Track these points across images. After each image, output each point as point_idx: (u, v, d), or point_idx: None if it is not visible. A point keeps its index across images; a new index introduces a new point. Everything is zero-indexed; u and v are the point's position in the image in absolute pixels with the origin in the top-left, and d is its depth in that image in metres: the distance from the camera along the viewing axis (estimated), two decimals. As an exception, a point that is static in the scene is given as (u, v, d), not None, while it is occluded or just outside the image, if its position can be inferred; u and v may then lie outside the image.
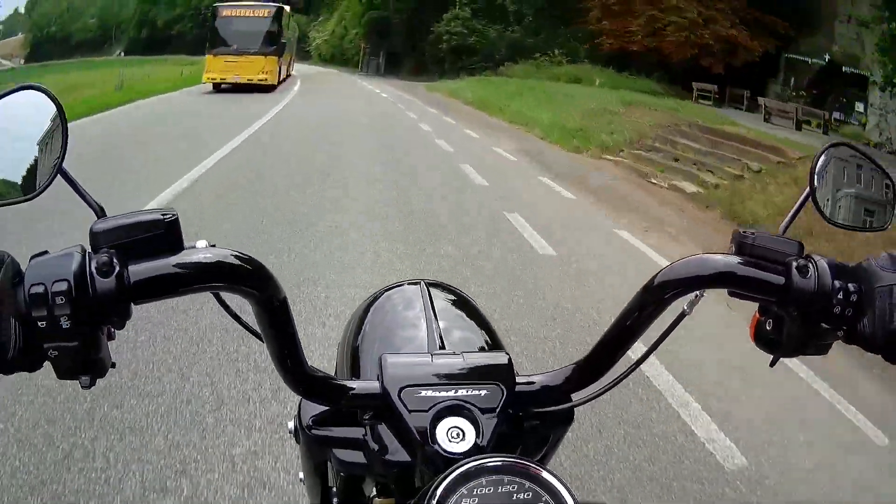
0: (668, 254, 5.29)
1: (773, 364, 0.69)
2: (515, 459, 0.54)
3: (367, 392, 0.67)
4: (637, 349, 0.69)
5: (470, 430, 0.63)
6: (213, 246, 0.59)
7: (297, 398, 0.71)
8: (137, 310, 0.57)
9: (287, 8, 26.14)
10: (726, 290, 0.64)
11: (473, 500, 0.51)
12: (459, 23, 32.64)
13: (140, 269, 0.55)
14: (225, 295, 0.64)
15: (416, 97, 21.93)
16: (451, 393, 0.64)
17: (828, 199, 0.72)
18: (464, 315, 0.98)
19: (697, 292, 0.66)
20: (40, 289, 0.51)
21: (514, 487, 0.51)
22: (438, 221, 5.92)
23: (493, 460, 0.53)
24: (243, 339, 2.95)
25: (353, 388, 0.68)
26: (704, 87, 26.05)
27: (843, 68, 25.37)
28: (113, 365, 0.58)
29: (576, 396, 0.72)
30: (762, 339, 0.69)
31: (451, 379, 0.66)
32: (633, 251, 5.59)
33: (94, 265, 0.53)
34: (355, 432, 0.70)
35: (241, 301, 0.62)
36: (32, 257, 0.54)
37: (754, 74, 27.69)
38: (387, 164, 8.84)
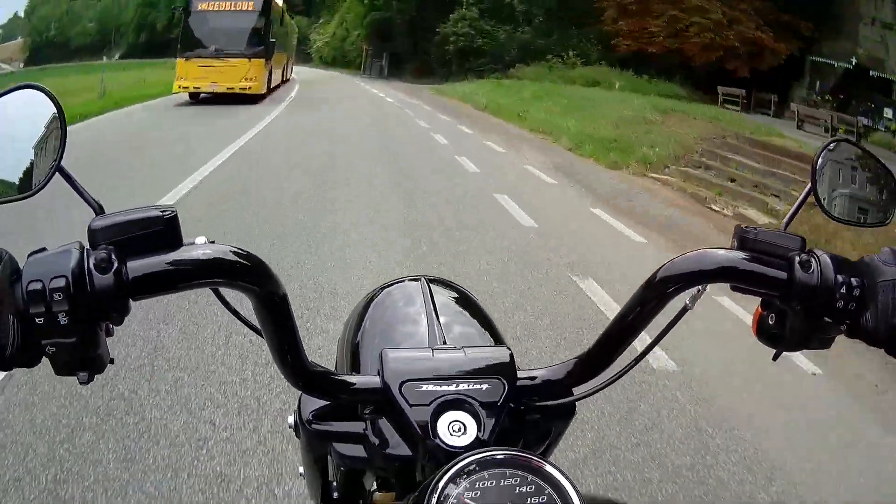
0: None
1: (775, 358, 0.68)
2: (518, 453, 0.53)
3: (368, 386, 0.66)
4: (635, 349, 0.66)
5: (471, 424, 0.62)
6: (213, 242, 0.59)
7: (298, 393, 0.69)
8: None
9: (280, 1, 21.73)
10: (728, 284, 0.63)
11: (475, 494, 0.50)
12: (467, 23, 30.70)
13: (138, 266, 0.54)
14: (224, 291, 0.62)
15: (424, 102, 19.99)
16: (453, 387, 0.63)
17: (830, 195, 0.71)
18: (465, 311, 0.96)
19: (699, 287, 0.65)
20: (38, 285, 0.50)
21: (516, 481, 0.50)
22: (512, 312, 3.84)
23: (496, 454, 0.52)
24: None
25: (354, 383, 0.67)
26: (731, 92, 24.16)
27: (870, 72, 23.75)
28: (111, 361, 0.57)
29: (577, 391, 0.71)
30: (765, 333, 0.68)
31: (453, 373, 0.65)
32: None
33: (92, 262, 0.52)
34: (355, 427, 0.68)
35: (241, 297, 0.60)
36: (30, 254, 0.53)
37: (779, 78, 25.94)
38: (408, 198, 6.87)
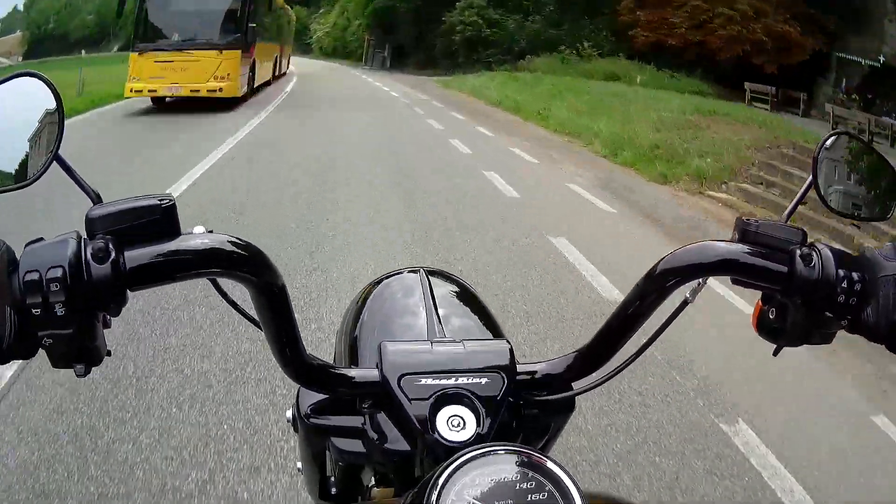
0: None
1: (776, 353, 0.67)
2: (518, 448, 0.51)
3: (367, 380, 0.65)
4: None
5: (470, 419, 0.61)
6: (211, 232, 0.57)
7: (296, 386, 0.67)
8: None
9: None
10: (729, 277, 0.62)
11: (476, 490, 0.48)
12: (474, 12, 28.64)
13: (136, 255, 0.53)
14: (223, 281, 0.61)
15: (432, 97, 18.02)
16: (452, 381, 0.62)
17: (830, 188, 0.70)
18: (464, 303, 0.94)
19: (700, 280, 0.64)
20: (35, 276, 0.49)
21: (516, 476, 0.49)
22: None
23: (496, 449, 0.51)
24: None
25: (353, 376, 0.66)
26: (759, 89, 22.20)
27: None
28: (108, 353, 0.56)
29: (577, 385, 0.69)
30: (765, 327, 0.66)
31: (452, 367, 0.63)
32: None
33: (89, 251, 0.51)
34: (354, 421, 0.67)
35: (240, 289, 0.59)
36: (27, 244, 0.52)
37: (805, 75, 24.04)
38: (444, 246, 5.06)
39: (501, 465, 0.50)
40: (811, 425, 2.80)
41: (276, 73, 19.74)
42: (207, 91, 12.52)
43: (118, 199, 0.54)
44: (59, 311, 0.50)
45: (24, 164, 0.58)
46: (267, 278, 0.59)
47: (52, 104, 0.59)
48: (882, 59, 23.46)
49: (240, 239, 0.57)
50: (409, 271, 0.95)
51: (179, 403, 2.54)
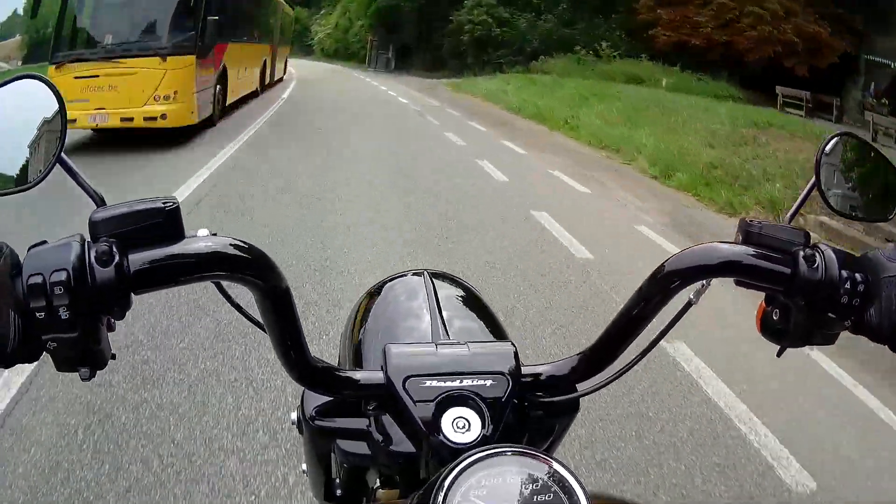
0: None
1: (779, 354, 0.66)
2: (523, 449, 0.51)
3: (371, 382, 0.64)
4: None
5: (476, 421, 0.60)
6: (215, 234, 0.56)
7: (301, 389, 0.66)
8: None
9: None
10: (733, 279, 0.62)
11: (482, 491, 0.47)
12: (483, 10, 26.78)
13: (140, 259, 0.52)
14: (227, 284, 0.60)
15: (444, 103, 16.17)
16: (457, 383, 0.61)
17: (833, 189, 0.69)
18: (468, 305, 0.93)
19: (703, 281, 0.63)
20: (38, 279, 0.48)
21: (523, 478, 0.48)
22: None
23: (501, 451, 0.50)
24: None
25: (357, 379, 0.66)
26: (792, 94, 20.37)
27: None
28: (113, 356, 0.55)
29: (581, 386, 0.69)
30: (769, 328, 0.66)
31: (456, 369, 0.63)
32: None
33: (93, 255, 0.51)
34: (359, 423, 0.66)
35: (245, 291, 0.57)
36: (31, 247, 0.51)
37: (835, 77, 22.21)
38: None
39: (507, 467, 0.49)
40: None
41: (269, 81, 15.78)
42: (144, 119, 8.23)
43: (122, 203, 0.53)
44: (64, 314, 0.49)
45: (27, 166, 0.57)
46: (271, 281, 0.58)
47: (55, 107, 0.58)
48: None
49: (243, 242, 0.56)
50: (413, 274, 0.94)
51: None
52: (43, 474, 2.11)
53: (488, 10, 26.74)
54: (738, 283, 0.62)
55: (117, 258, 0.51)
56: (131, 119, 8.22)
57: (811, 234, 0.62)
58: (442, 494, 0.47)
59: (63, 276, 0.48)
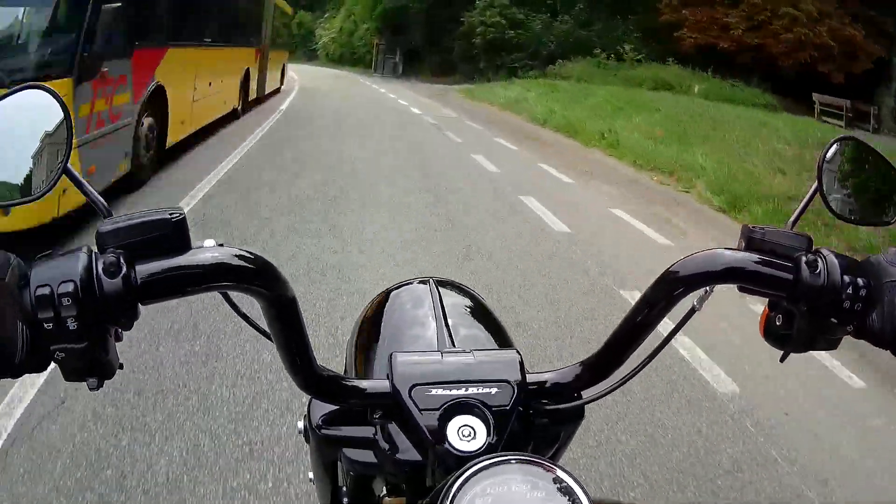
0: None
1: (783, 359, 0.65)
2: (528, 457, 0.50)
3: (377, 391, 0.64)
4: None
5: (481, 429, 0.60)
6: (221, 245, 0.56)
7: (307, 398, 0.66)
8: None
9: None
10: (736, 285, 0.61)
11: (487, 500, 0.47)
12: (496, 11, 25.08)
13: (147, 270, 0.52)
14: (234, 294, 0.60)
15: (461, 113, 14.47)
16: (462, 391, 0.61)
17: (835, 194, 0.68)
18: (473, 313, 0.93)
19: (707, 288, 0.63)
20: (46, 290, 0.48)
21: (527, 486, 0.48)
22: None
23: (506, 459, 0.50)
24: None
25: (363, 387, 0.65)
26: (830, 102, 18.59)
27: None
28: (121, 366, 0.55)
29: (586, 393, 0.68)
30: (772, 334, 0.65)
31: (462, 377, 0.62)
32: None
33: (100, 266, 0.50)
34: (365, 431, 0.66)
35: (250, 300, 0.57)
36: (38, 257, 0.51)
37: (869, 84, 20.45)
38: None
39: (512, 475, 0.49)
40: None
41: (257, 95, 12.25)
42: None
43: (129, 214, 0.53)
44: (72, 325, 0.49)
45: (33, 176, 0.56)
46: (277, 291, 0.58)
47: (60, 117, 0.58)
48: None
49: (250, 252, 0.56)
50: (419, 282, 0.93)
51: None
52: None
53: (501, 10, 25.03)
54: (741, 290, 0.61)
55: (124, 269, 0.50)
56: None
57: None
58: (447, 503, 0.47)
59: (71, 287, 0.48)
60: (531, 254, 4.63)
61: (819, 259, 0.59)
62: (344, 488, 0.83)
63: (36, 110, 0.58)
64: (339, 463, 0.76)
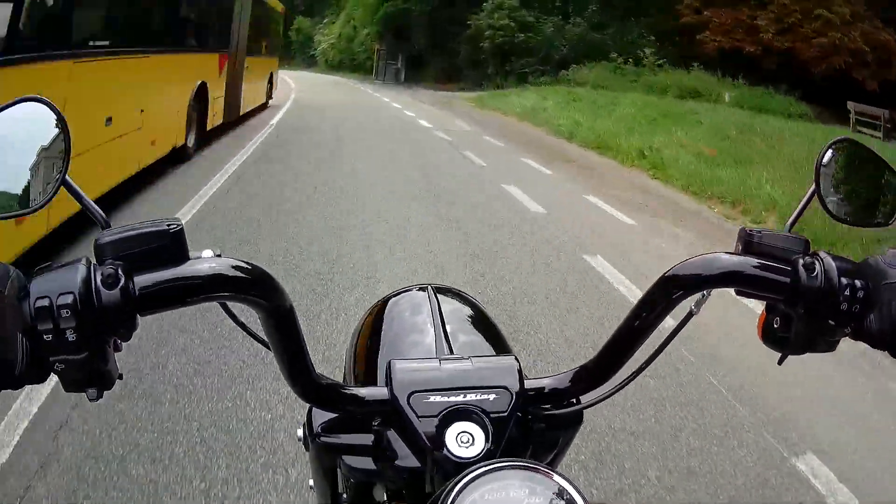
0: None
1: (780, 362, 0.65)
2: (526, 463, 0.50)
3: (376, 398, 0.64)
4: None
5: (479, 435, 0.59)
6: (219, 255, 0.56)
7: (306, 405, 0.66)
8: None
9: None
10: (733, 289, 0.61)
11: None
12: (505, 14, 23.49)
13: (145, 281, 0.52)
14: (232, 304, 0.60)
15: (476, 125, 12.81)
16: (460, 398, 0.61)
17: (833, 196, 0.67)
18: (471, 319, 0.92)
19: (704, 292, 0.62)
20: (45, 302, 0.48)
21: (525, 492, 0.48)
22: None
23: (504, 465, 0.50)
24: None
25: (362, 395, 0.65)
26: (867, 112, 16.86)
27: None
28: (120, 377, 0.55)
29: (584, 398, 0.68)
30: (770, 337, 0.64)
31: (460, 384, 0.62)
32: None
33: (98, 277, 0.50)
34: (364, 439, 0.66)
35: (247, 308, 0.57)
36: (37, 269, 0.50)
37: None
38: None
39: (510, 481, 0.48)
40: None
41: (227, 118, 9.12)
42: None
43: (126, 225, 0.53)
44: (71, 336, 0.48)
45: (31, 189, 0.56)
46: (275, 301, 0.58)
47: (57, 129, 0.57)
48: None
49: (247, 262, 0.56)
50: (418, 289, 0.92)
51: None
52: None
53: (510, 12, 23.43)
54: (738, 293, 0.61)
55: (123, 281, 0.50)
56: None
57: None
58: None
59: (70, 298, 0.48)
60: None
61: (816, 261, 0.58)
62: (344, 495, 0.81)
63: (33, 123, 0.57)
64: (338, 470, 0.74)
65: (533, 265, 4.34)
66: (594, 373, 0.66)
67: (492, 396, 0.61)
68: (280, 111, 13.16)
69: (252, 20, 10.35)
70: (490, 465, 0.49)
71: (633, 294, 3.91)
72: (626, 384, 0.66)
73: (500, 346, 0.85)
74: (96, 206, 0.55)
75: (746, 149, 9.54)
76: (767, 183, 7.41)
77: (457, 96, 20.56)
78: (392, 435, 0.63)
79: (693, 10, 21.33)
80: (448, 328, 0.81)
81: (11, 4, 3.17)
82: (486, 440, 0.59)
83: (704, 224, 6.28)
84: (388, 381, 0.62)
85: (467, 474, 0.49)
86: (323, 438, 0.67)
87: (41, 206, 0.56)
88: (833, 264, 0.58)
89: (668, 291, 0.61)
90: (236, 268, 0.55)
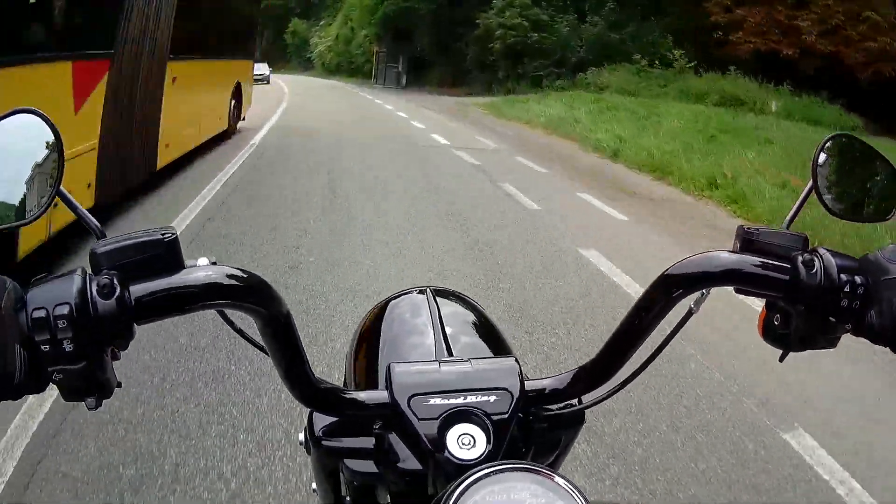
0: None
1: (782, 359, 0.63)
2: (527, 465, 0.50)
3: (377, 402, 0.63)
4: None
5: (480, 437, 0.59)
6: (214, 263, 0.56)
7: (307, 410, 0.65)
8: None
9: None
10: (733, 287, 0.60)
11: None
12: (516, 12, 21.48)
13: (141, 290, 0.51)
14: (229, 311, 0.60)
15: (502, 141, 10.70)
16: (461, 400, 0.60)
17: (831, 192, 0.66)
18: (471, 321, 0.91)
19: (703, 290, 0.62)
20: (42, 313, 0.48)
21: (526, 494, 0.47)
22: None
23: (505, 467, 0.49)
24: None
25: (362, 399, 0.64)
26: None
27: None
28: (119, 385, 0.54)
29: (586, 398, 0.67)
30: (771, 334, 0.63)
31: (460, 386, 0.61)
32: None
33: (94, 287, 0.50)
34: (366, 442, 0.65)
35: (244, 315, 0.56)
36: (33, 280, 0.50)
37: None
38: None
39: (511, 483, 0.48)
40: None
41: (159, 162, 5.99)
42: None
43: (121, 235, 0.53)
44: (68, 346, 0.48)
45: (26, 200, 0.56)
46: (272, 308, 0.57)
47: (51, 140, 0.57)
48: None
49: (243, 270, 0.56)
50: (418, 292, 0.91)
51: None
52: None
53: (522, 10, 21.43)
54: (737, 291, 0.60)
55: (118, 290, 0.50)
56: None
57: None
58: None
59: (66, 309, 0.48)
60: None
61: (815, 258, 0.58)
62: (347, 498, 0.80)
63: (26, 134, 0.57)
64: (340, 474, 0.73)
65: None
66: (595, 372, 0.65)
67: (492, 398, 0.60)
68: (257, 135, 11.03)
69: (184, 2, 6.11)
70: (491, 467, 0.49)
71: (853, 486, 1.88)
72: (627, 384, 0.65)
73: (500, 347, 0.83)
74: (91, 216, 0.55)
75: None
76: (880, 226, 5.43)
77: (466, 102, 18.52)
78: (393, 438, 0.63)
79: (723, 9, 19.37)
80: (448, 330, 0.79)
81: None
82: (488, 442, 0.58)
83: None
84: (389, 385, 0.62)
85: (469, 476, 0.48)
86: (324, 442, 0.67)
87: (37, 217, 0.56)
88: (832, 261, 0.57)
89: (668, 290, 0.60)
90: (232, 276, 0.54)
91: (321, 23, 48.58)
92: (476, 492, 0.47)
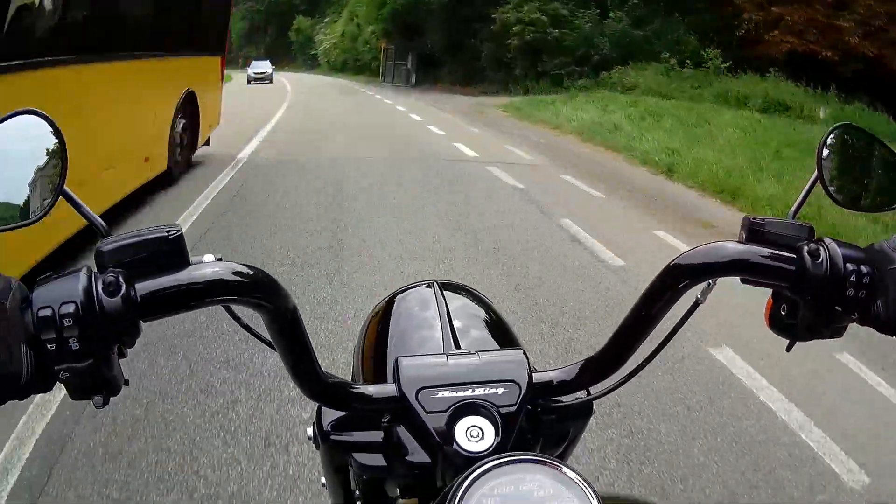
0: None
1: (789, 349, 0.64)
2: (535, 456, 0.50)
3: (385, 395, 0.63)
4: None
5: (489, 429, 0.59)
6: (220, 259, 0.55)
7: (315, 404, 0.65)
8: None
9: None
10: (738, 277, 0.60)
11: (495, 500, 0.47)
12: (535, 7, 20.09)
13: (147, 287, 0.51)
14: (236, 306, 0.60)
15: (538, 154, 9.25)
16: (469, 392, 0.60)
17: (836, 182, 0.65)
18: (478, 314, 0.91)
19: (710, 281, 0.62)
20: (48, 311, 0.48)
21: (535, 485, 0.47)
22: None
23: (514, 459, 0.49)
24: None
25: (370, 393, 0.64)
26: None
27: None
28: (126, 382, 0.54)
29: (594, 390, 0.67)
30: (777, 324, 0.63)
31: (468, 378, 0.61)
32: None
33: (100, 285, 0.50)
34: (374, 436, 0.65)
35: (251, 310, 0.56)
36: (39, 279, 0.50)
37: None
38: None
39: (519, 475, 0.48)
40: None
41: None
42: None
43: (127, 233, 0.53)
44: (74, 345, 0.48)
45: (30, 200, 0.56)
46: (278, 303, 0.57)
47: (54, 140, 0.57)
48: None
49: (248, 266, 0.56)
50: (425, 286, 0.90)
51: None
52: None
53: (541, 4, 20.03)
54: (743, 281, 0.60)
55: (124, 288, 0.50)
56: None
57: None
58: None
59: (72, 307, 0.48)
60: None
61: (821, 248, 0.58)
62: (357, 492, 0.78)
63: (30, 135, 0.57)
64: (349, 468, 0.73)
65: None
66: (602, 363, 0.65)
67: (500, 390, 0.60)
68: (251, 143, 9.67)
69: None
70: (500, 458, 0.49)
71: None
72: (635, 374, 0.65)
73: (508, 340, 0.83)
74: (96, 216, 0.55)
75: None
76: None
77: (483, 103, 17.16)
78: (402, 431, 0.63)
79: (756, 6, 17.97)
80: (455, 324, 0.78)
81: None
82: (496, 434, 0.58)
83: None
84: (396, 378, 0.62)
85: (477, 468, 0.48)
86: (333, 437, 0.66)
87: (41, 217, 0.56)
88: (838, 250, 0.57)
89: (674, 280, 0.60)
90: (238, 272, 0.54)
91: (326, 20, 47.21)
92: (484, 483, 0.47)
